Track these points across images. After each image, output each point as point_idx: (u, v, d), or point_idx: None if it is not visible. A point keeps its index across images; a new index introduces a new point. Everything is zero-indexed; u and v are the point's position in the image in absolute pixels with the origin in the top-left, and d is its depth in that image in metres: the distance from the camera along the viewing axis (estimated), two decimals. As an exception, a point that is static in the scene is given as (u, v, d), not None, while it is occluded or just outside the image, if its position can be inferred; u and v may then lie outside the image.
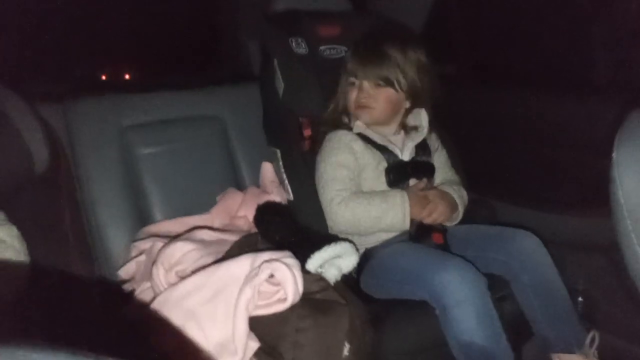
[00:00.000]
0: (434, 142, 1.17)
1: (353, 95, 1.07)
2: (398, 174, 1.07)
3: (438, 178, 1.16)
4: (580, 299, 1.16)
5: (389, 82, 1.05)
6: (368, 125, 1.10)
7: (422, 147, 1.13)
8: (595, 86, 1.19)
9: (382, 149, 1.08)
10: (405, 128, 1.12)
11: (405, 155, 1.10)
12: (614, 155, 0.50)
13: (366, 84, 1.05)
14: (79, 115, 1.12)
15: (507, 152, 1.30)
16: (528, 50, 1.51)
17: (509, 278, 0.98)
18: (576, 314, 0.97)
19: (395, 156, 1.08)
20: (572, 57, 1.38)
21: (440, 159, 1.18)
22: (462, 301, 0.82)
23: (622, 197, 0.49)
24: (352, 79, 1.07)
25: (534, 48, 1.50)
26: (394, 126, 1.13)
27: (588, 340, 0.91)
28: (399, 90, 1.06)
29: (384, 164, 1.07)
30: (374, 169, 1.07)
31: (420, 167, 1.11)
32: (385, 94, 1.06)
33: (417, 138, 1.12)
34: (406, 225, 1.01)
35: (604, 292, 1.15)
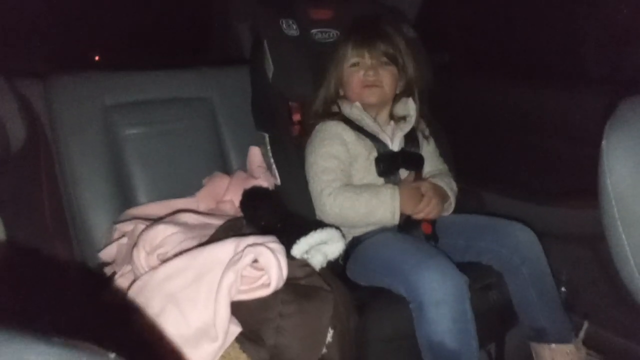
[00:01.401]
0: (423, 132, 1.16)
1: (358, 75, 1.05)
2: (388, 164, 1.06)
3: (427, 168, 1.15)
4: (563, 289, 1.17)
5: (394, 59, 1.05)
6: (373, 106, 1.09)
7: (411, 138, 1.12)
8: (584, 77, 1.19)
9: (373, 138, 1.07)
10: (394, 118, 1.11)
11: (395, 145, 1.08)
12: (603, 143, 0.49)
13: (374, 62, 1.04)
14: (60, 92, 1.08)
15: (495, 142, 1.30)
16: (520, 41, 1.50)
17: (504, 269, 0.98)
18: (561, 302, 0.98)
19: (386, 146, 1.07)
20: (564, 48, 1.38)
21: (429, 148, 1.17)
22: (440, 302, 0.81)
23: (610, 184, 0.48)
24: (355, 60, 1.05)
25: (526, 38, 1.49)
26: (384, 114, 1.12)
27: (582, 334, 0.92)
28: (400, 69, 1.06)
29: (375, 154, 1.06)
30: (365, 159, 1.06)
31: (410, 158, 1.10)
32: (391, 72, 1.06)
33: (406, 128, 1.10)
34: (395, 221, 1.00)
35: (587, 282, 1.16)
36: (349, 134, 1.05)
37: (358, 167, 1.06)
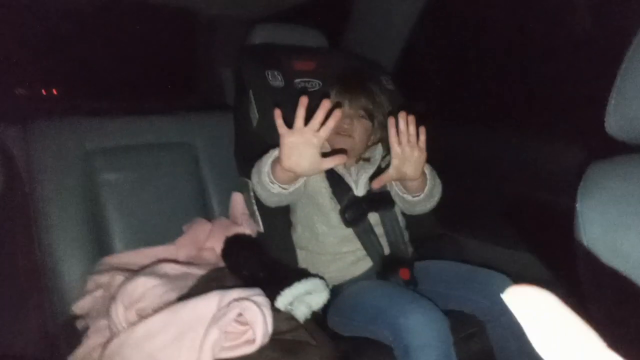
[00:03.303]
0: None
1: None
2: (354, 212, 1.04)
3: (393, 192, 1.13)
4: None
5: (370, 115, 1.07)
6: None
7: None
8: (558, 129, 1.27)
9: (338, 186, 1.06)
10: (359, 159, 1.12)
11: (360, 189, 1.07)
12: (577, 205, 0.52)
13: (351, 112, 1.05)
14: (41, 138, 1.06)
15: (472, 189, 1.34)
16: (495, 92, 1.59)
17: (485, 319, 0.99)
18: None
19: (350, 190, 1.06)
20: (537, 100, 1.47)
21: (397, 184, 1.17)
22: (425, 345, 0.81)
23: (584, 244, 0.51)
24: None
25: (501, 90, 1.58)
26: (351, 161, 1.12)
27: None
28: (374, 124, 1.08)
29: (338, 207, 1.05)
30: (331, 209, 1.05)
31: (377, 200, 1.08)
32: (365, 126, 1.07)
33: (370, 170, 1.10)
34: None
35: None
36: (324, 185, 1.05)
37: (322, 220, 1.05)
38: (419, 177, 0.91)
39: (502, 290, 0.76)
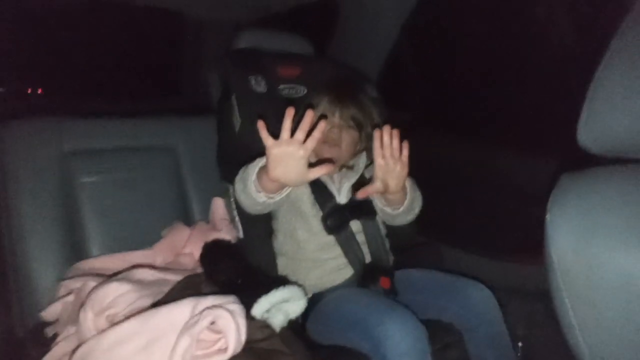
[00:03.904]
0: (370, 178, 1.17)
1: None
2: (335, 220, 1.04)
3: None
4: (520, 344, 1.19)
5: (358, 125, 1.06)
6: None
7: (360, 186, 1.11)
8: (537, 142, 1.29)
9: (320, 194, 1.06)
10: (342, 167, 1.11)
11: (342, 196, 1.07)
12: (547, 216, 0.53)
13: (341, 122, 1.04)
14: (14, 139, 1.04)
15: (454, 198, 1.36)
16: (477, 104, 1.61)
17: (463, 328, 0.99)
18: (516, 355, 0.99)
19: (333, 198, 1.06)
20: (517, 111, 1.49)
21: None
22: (403, 354, 0.80)
23: (554, 257, 0.51)
24: (324, 113, 1.04)
25: (480, 101, 1.61)
26: (335, 169, 1.10)
27: None
28: (362, 135, 1.07)
29: (320, 214, 1.04)
30: (312, 217, 1.04)
31: (359, 208, 1.08)
32: (353, 136, 1.06)
33: (352, 178, 1.09)
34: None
35: (541, 336, 1.19)
36: (306, 192, 1.05)
37: (304, 226, 1.05)
38: (399, 191, 0.92)
39: (479, 299, 0.77)
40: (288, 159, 0.77)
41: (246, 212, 1.02)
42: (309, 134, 0.77)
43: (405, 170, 0.89)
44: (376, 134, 0.87)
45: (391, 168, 0.87)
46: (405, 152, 0.88)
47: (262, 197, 0.87)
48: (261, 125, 0.78)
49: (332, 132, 1.04)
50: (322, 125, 0.77)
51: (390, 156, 0.86)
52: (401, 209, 0.98)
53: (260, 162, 0.87)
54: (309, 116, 0.75)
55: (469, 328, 0.97)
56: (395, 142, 0.86)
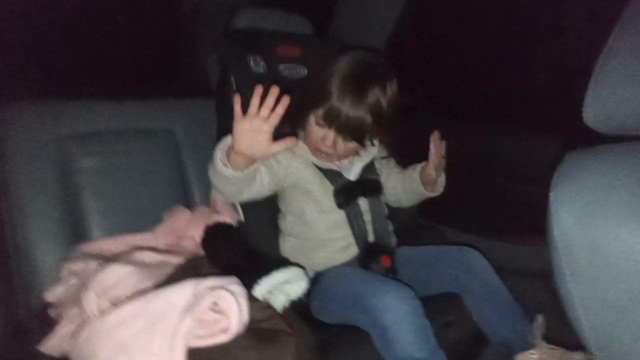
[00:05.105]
0: (381, 161, 1.17)
1: (317, 136, 1.00)
2: (346, 195, 1.06)
3: (394, 181, 1.17)
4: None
5: (359, 142, 1.01)
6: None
7: (369, 167, 1.13)
8: (538, 123, 1.28)
9: (327, 172, 1.06)
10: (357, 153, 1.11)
11: (353, 175, 1.09)
12: (551, 194, 0.52)
13: (336, 138, 0.99)
14: (11, 122, 1.03)
15: (456, 180, 1.35)
16: (479, 85, 1.59)
17: (462, 292, 1.03)
18: (523, 313, 1.00)
19: (342, 176, 1.07)
20: (520, 94, 1.47)
21: (389, 165, 1.19)
22: (400, 320, 0.83)
23: (557, 235, 0.51)
24: (322, 124, 0.98)
25: (483, 81, 1.59)
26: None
27: (538, 332, 0.92)
28: (363, 144, 1.03)
29: (331, 188, 1.06)
30: (321, 195, 1.05)
31: (368, 185, 1.11)
32: (350, 147, 1.02)
33: (366, 158, 1.12)
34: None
35: (546, 319, 1.20)
36: (310, 171, 1.05)
37: (313, 207, 1.05)
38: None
39: (472, 260, 0.80)
40: (254, 133, 0.82)
41: (229, 200, 1.05)
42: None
43: (444, 162, 1.07)
44: (433, 136, 1.04)
45: (442, 163, 1.06)
46: (444, 147, 1.06)
47: (229, 171, 0.89)
48: (237, 100, 0.82)
49: (325, 144, 1.00)
50: (285, 100, 0.81)
51: (441, 154, 1.04)
52: (435, 191, 1.13)
53: (226, 141, 0.89)
54: (274, 92, 0.80)
55: (466, 289, 1.01)
56: (444, 143, 1.05)
